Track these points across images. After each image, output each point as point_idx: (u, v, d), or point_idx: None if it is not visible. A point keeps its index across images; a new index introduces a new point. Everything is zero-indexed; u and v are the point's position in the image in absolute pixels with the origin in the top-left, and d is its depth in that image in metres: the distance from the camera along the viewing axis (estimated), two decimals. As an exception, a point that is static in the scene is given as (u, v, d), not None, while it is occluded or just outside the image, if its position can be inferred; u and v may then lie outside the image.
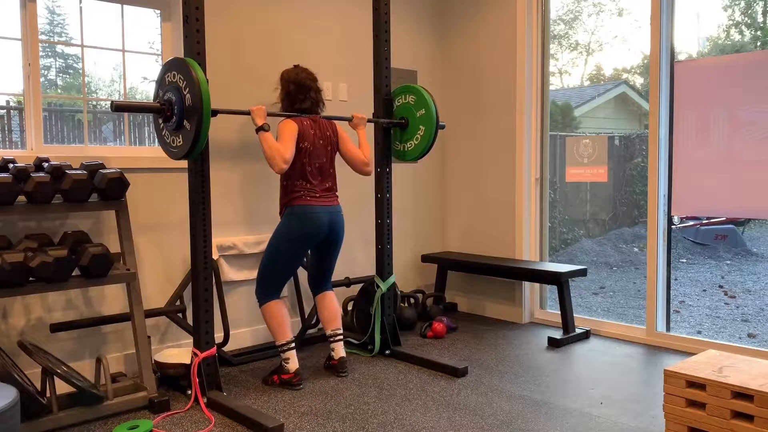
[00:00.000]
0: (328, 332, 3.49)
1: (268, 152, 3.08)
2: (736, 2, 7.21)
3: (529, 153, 4.60)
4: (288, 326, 3.29)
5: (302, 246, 3.28)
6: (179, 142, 2.93)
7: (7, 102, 3.56)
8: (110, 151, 3.62)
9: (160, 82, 2.99)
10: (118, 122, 4.04)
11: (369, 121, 3.72)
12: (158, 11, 3.74)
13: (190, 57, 2.98)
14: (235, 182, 3.93)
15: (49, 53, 4.16)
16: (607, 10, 7.68)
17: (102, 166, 3.13)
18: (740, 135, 3.57)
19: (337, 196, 3.41)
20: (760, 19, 7.35)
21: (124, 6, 3.61)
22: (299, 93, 3.33)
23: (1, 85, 3.37)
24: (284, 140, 3.13)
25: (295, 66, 3.43)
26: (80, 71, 3.65)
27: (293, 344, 3.28)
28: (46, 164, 2.92)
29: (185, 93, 2.84)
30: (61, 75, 4.47)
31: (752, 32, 7.24)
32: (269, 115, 3.22)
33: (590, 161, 4.61)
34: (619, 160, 7.69)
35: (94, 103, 4.17)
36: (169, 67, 2.95)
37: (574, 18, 8.03)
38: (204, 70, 2.99)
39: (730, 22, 7.35)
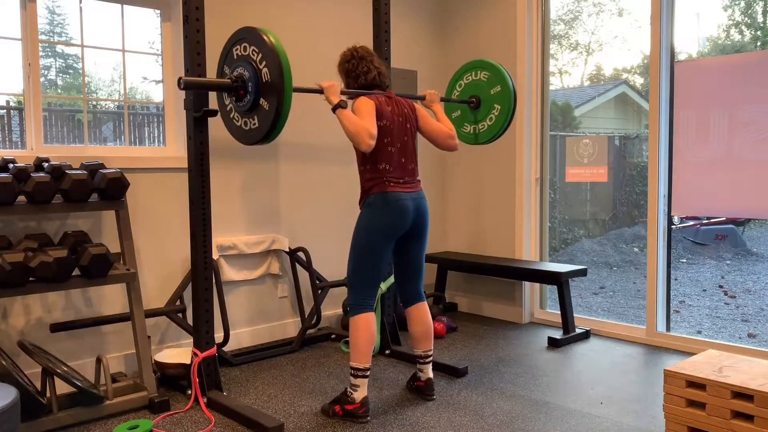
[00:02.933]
0: (419, 352, 3.12)
1: (351, 128, 2.70)
2: (736, 2, 7.20)
3: (529, 153, 4.60)
4: (371, 350, 2.87)
5: (387, 237, 2.91)
6: (254, 124, 2.62)
7: (7, 102, 3.56)
8: (110, 151, 3.62)
9: (226, 57, 2.71)
10: (118, 122, 4.04)
11: (442, 99, 3.46)
12: (158, 11, 3.74)
13: (190, 57, 2.97)
14: (235, 182, 3.93)
15: (49, 53, 4.16)
16: (607, 10, 7.67)
17: (102, 166, 3.13)
18: (740, 135, 3.57)
19: (420, 181, 3.07)
20: (760, 19, 7.35)
21: (124, 6, 3.61)
22: (360, 65, 2.99)
23: (1, 85, 3.37)
24: (364, 116, 2.77)
25: (348, 47, 3.10)
26: (80, 71, 3.65)
27: (368, 372, 2.86)
28: (46, 164, 2.92)
29: (261, 67, 2.51)
30: (61, 75, 4.47)
31: (752, 32, 7.24)
32: (343, 93, 2.90)
33: (590, 161, 4.61)
34: (619, 160, 7.69)
35: (94, 103, 4.17)
36: (237, 38, 2.66)
37: (574, 18, 8.02)
38: (204, 70, 2.99)
39: (730, 22, 7.35)
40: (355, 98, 2.93)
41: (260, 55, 2.52)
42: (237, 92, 2.64)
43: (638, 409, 2.97)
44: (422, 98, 3.35)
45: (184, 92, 3.06)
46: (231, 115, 2.76)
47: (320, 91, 2.84)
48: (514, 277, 4.48)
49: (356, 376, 2.83)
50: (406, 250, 3.08)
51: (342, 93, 2.87)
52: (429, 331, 3.13)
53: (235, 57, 2.65)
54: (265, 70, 2.50)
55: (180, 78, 2.54)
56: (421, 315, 3.13)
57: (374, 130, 2.75)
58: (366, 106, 2.82)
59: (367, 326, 2.86)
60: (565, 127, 7.82)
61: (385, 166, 2.89)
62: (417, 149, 3.09)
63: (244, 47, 2.61)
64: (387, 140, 2.89)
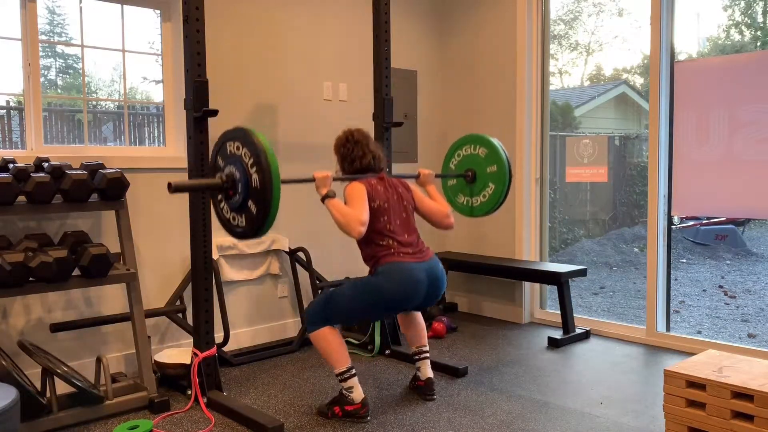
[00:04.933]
0: (414, 349, 3.18)
1: (340, 218, 2.72)
2: (736, 2, 7.20)
3: (529, 153, 4.60)
4: (345, 351, 2.87)
5: (394, 309, 2.94)
6: (241, 222, 2.61)
7: (7, 102, 3.56)
8: (110, 151, 3.62)
9: (220, 149, 2.68)
10: (118, 122, 4.04)
11: (437, 176, 3.47)
12: (158, 11, 3.74)
13: (190, 57, 2.97)
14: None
15: (49, 53, 4.16)
16: (607, 10, 7.67)
17: (102, 166, 3.13)
18: (740, 135, 3.57)
19: (429, 248, 3.02)
20: (760, 19, 7.35)
21: (124, 6, 3.61)
22: (355, 150, 3.03)
23: (1, 85, 3.37)
24: (354, 203, 2.80)
25: (343, 130, 3.15)
26: (80, 71, 3.65)
27: (354, 371, 2.87)
28: (46, 164, 2.92)
29: (251, 171, 2.49)
30: (61, 75, 4.47)
31: (752, 32, 7.24)
32: (335, 179, 2.92)
33: (590, 161, 4.61)
34: (619, 160, 7.69)
35: (94, 103, 4.17)
36: (232, 135, 2.63)
37: (574, 18, 8.03)
38: (204, 70, 2.99)
39: (730, 22, 7.35)
40: (347, 182, 2.97)
41: (251, 159, 2.50)
42: (227, 192, 2.62)
43: (638, 409, 2.97)
44: (416, 177, 3.34)
45: (184, 92, 3.06)
46: (221, 205, 2.73)
47: (312, 180, 2.85)
48: (514, 277, 4.48)
49: (345, 380, 2.85)
50: (418, 305, 3.05)
51: (334, 179, 2.90)
52: (422, 330, 3.19)
53: (228, 153, 2.63)
54: (255, 175, 2.48)
55: (170, 183, 2.48)
56: (413, 318, 3.20)
57: (364, 217, 2.75)
58: (356, 191, 2.85)
59: (332, 335, 2.86)
60: (565, 127, 7.82)
61: (389, 242, 2.88)
62: (416, 226, 3.06)
63: (237, 146, 2.58)
64: (384, 218, 2.90)
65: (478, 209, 3.56)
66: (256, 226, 2.53)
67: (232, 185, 2.58)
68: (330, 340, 2.85)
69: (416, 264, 2.86)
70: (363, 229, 2.74)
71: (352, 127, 3.15)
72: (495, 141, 3.50)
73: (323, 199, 2.80)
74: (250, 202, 2.53)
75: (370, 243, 2.89)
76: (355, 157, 3.03)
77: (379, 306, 2.84)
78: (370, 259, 2.91)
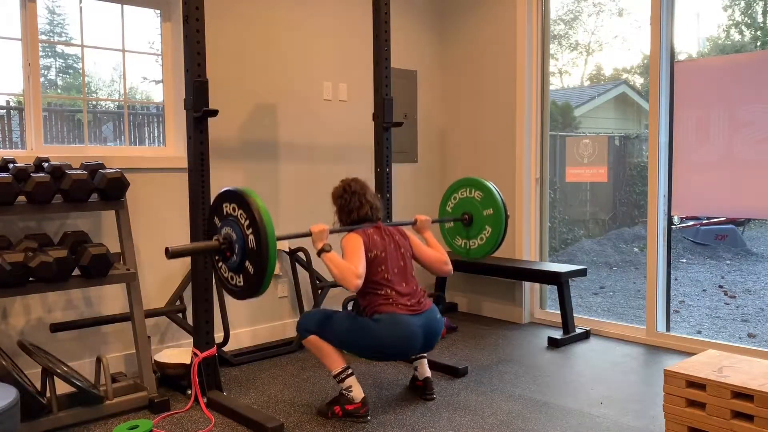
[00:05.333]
0: None
1: (336, 272, 2.75)
2: (736, 2, 7.21)
3: (529, 153, 4.60)
4: (339, 352, 2.90)
5: (386, 357, 3.01)
6: (240, 282, 2.63)
7: (7, 102, 3.56)
8: (110, 151, 3.62)
9: (216, 210, 2.71)
10: (118, 122, 4.03)
11: (434, 221, 3.48)
12: (158, 11, 3.74)
13: (190, 57, 2.97)
14: (235, 182, 3.92)
15: (49, 53, 4.16)
16: (607, 10, 7.67)
17: (102, 166, 3.13)
18: (740, 135, 3.57)
19: (427, 298, 3.04)
20: (760, 19, 7.35)
21: (124, 6, 3.61)
22: (352, 201, 3.05)
23: (1, 85, 3.37)
24: (351, 256, 2.83)
25: (341, 180, 3.16)
26: (80, 71, 3.65)
27: (351, 370, 2.88)
28: (46, 164, 2.92)
29: (248, 233, 2.52)
30: (61, 75, 4.46)
31: (752, 32, 7.24)
32: (332, 232, 2.96)
33: (590, 161, 4.61)
34: (619, 160, 7.69)
35: (94, 103, 4.17)
36: (227, 197, 2.64)
37: (574, 18, 8.03)
38: (204, 70, 2.99)
39: (730, 22, 7.35)
40: (345, 233, 2.99)
41: (247, 221, 2.52)
42: (224, 254, 2.64)
43: (638, 409, 2.97)
44: (413, 223, 3.35)
45: (184, 92, 3.07)
46: (218, 265, 2.75)
47: (308, 235, 2.88)
48: (514, 277, 4.48)
49: (342, 380, 2.86)
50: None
51: (331, 231, 2.93)
52: None
53: (224, 213, 2.66)
54: (251, 237, 2.51)
55: (167, 248, 2.50)
56: None
57: (360, 269, 2.78)
58: (353, 243, 2.87)
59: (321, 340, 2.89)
60: (565, 127, 7.82)
61: (387, 291, 2.89)
62: (414, 274, 3.07)
63: (233, 207, 2.60)
64: (382, 268, 2.91)
65: (475, 252, 3.61)
66: (254, 286, 2.55)
67: (229, 247, 2.60)
68: (322, 345, 2.88)
69: (413, 318, 2.86)
70: (359, 282, 2.77)
71: (350, 177, 3.16)
72: (490, 184, 3.56)
73: (319, 253, 2.82)
74: (247, 263, 2.54)
75: (369, 293, 2.90)
76: (352, 208, 3.05)
77: (372, 350, 2.87)
78: (368, 307, 2.91)
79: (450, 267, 3.21)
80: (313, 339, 2.89)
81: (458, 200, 3.67)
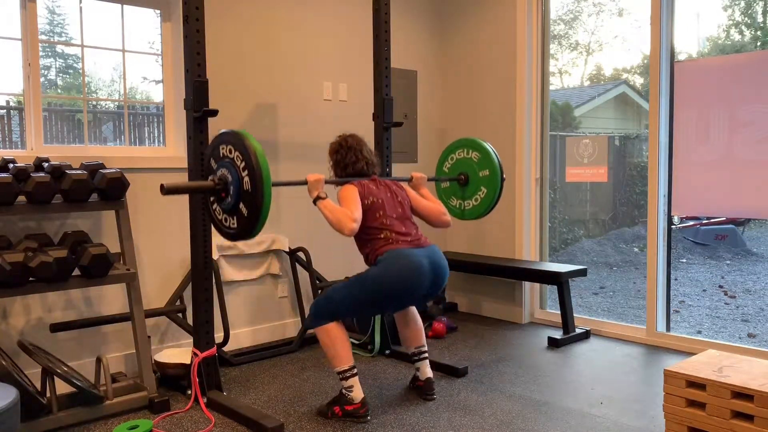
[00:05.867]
0: (412, 350, 3.18)
1: (331, 217, 2.76)
2: (736, 2, 7.20)
3: (529, 153, 4.60)
4: (349, 350, 2.86)
5: (398, 299, 2.91)
6: (233, 223, 2.63)
7: (7, 102, 3.56)
8: (110, 151, 3.62)
9: (213, 152, 2.71)
10: (118, 122, 4.04)
11: (430, 179, 3.47)
12: (158, 11, 3.74)
13: (190, 57, 2.97)
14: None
15: (49, 53, 4.16)
16: (607, 10, 7.67)
17: (102, 166, 3.13)
18: (740, 135, 3.57)
19: (428, 239, 3.04)
20: (760, 19, 7.35)
21: (124, 6, 3.61)
22: (349, 155, 3.08)
23: (1, 85, 3.37)
24: (346, 203, 2.85)
25: (338, 135, 3.19)
26: (80, 71, 3.65)
27: (356, 370, 2.87)
28: (46, 164, 2.92)
29: (243, 175, 2.53)
30: (61, 75, 4.46)
31: (752, 32, 7.24)
32: (328, 182, 2.98)
33: (590, 161, 4.61)
34: (619, 160, 7.69)
35: (94, 103, 4.17)
36: (224, 138, 2.64)
37: (574, 18, 8.02)
38: (204, 70, 2.99)
39: (730, 22, 7.35)
40: (340, 186, 3.02)
41: (243, 163, 2.53)
42: (219, 194, 2.65)
43: (638, 409, 2.97)
44: (409, 180, 3.35)
45: (184, 92, 3.06)
46: (213, 207, 2.75)
47: (305, 183, 2.90)
48: (514, 277, 4.48)
49: (346, 378, 2.85)
50: (420, 299, 3.06)
51: (327, 182, 2.95)
52: (419, 330, 3.19)
53: (221, 155, 2.65)
54: (246, 179, 2.52)
55: (162, 184, 2.51)
56: (410, 315, 3.19)
57: (356, 214, 2.79)
58: (348, 192, 2.90)
59: (338, 331, 2.85)
60: (565, 127, 7.82)
61: (387, 233, 2.91)
62: (413, 219, 3.08)
63: (230, 149, 2.60)
64: (380, 213, 2.93)
65: (470, 212, 3.60)
66: (248, 228, 2.56)
67: (224, 188, 2.61)
68: (334, 336, 2.84)
69: (417, 250, 2.88)
70: (355, 226, 2.76)
71: (347, 132, 3.18)
72: (487, 145, 3.54)
73: (315, 201, 2.85)
74: (241, 205, 2.56)
75: (368, 239, 2.92)
76: (348, 162, 3.08)
77: (381, 297, 2.83)
78: (370, 254, 2.92)
79: (449, 218, 3.21)
80: (325, 328, 2.85)
81: (455, 161, 3.66)
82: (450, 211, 3.65)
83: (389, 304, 2.96)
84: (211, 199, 2.73)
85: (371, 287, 2.82)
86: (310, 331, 2.93)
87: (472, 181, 3.58)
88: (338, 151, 3.12)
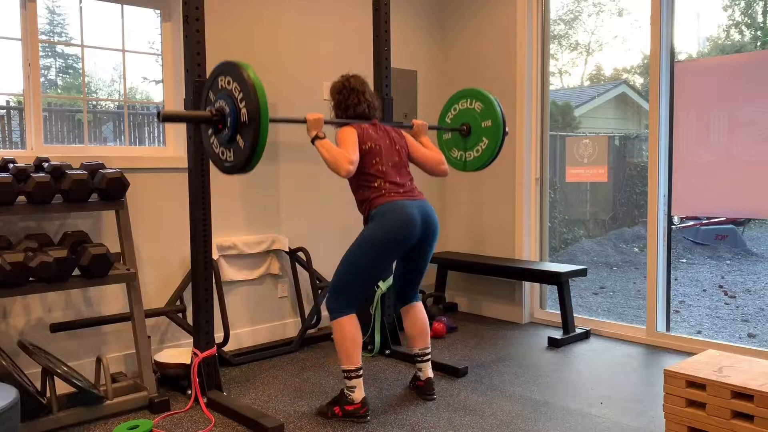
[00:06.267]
0: (416, 351, 3.14)
1: (328, 157, 2.74)
2: (736, 2, 7.20)
3: (529, 153, 4.60)
4: (359, 350, 2.86)
5: (393, 251, 2.88)
6: (230, 156, 2.62)
7: (7, 102, 3.56)
8: (110, 151, 3.62)
9: (212, 84, 2.69)
10: (118, 122, 4.04)
11: (431, 128, 3.43)
12: (158, 11, 3.74)
13: (190, 57, 2.97)
14: (235, 182, 3.92)
15: (49, 53, 4.16)
16: (607, 10, 7.67)
17: (102, 166, 3.13)
18: (740, 135, 3.57)
19: (421, 192, 3.03)
20: (760, 19, 7.35)
21: (124, 6, 3.61)
22: (350, 97, 3.03)
23: (1, 85, 3.37)
24: (344, 144, 2.82)
25: (341, 75, 3.13)
26: (80, 71, 3.65)
27: (361, 372, 2.86)
28: (46, 164, 2.92)
29: (240, 106, 2.51)
30: (61, 75, 4.46)
31: (752, 32, 7.24)
32: (327, 122, 2.96)
33: (590, 161, 4.61)
34: (619, 160, 7.68)
35: (94, 103, 4.17)
36: (223, 70, 2.62)
37: (574, 18, 8.02)
38: (204, 70, 2.99)
39: (730, 22, 7.35)
40: (339, 127, 2.98)
41: (241, 94, 2.51)
42: (216, 125, 2.64)
43: (638, 409, 2.97)
44: (410, 127, 3.31)
45: (184, 92, 3.07)
46: (210, 140, 2.74)
47: (303, 121, 2.87)
48: (514, 277, 4.48)
49: (350, 378, 2.84)
50: (414, 258, 3.05)
51: (327, 122, 2.92)
52: (425, 328, 3.15)
53: (220, 87, 2.64)
54: (244, 110, 2.49)
55: (159, 111, 2.52)
56: (417, 314, 3.16)
57: (353, 156, 2.77)
58: (347, 134, 2.87)
59: (352, 327, 2.85)
60: (565, 127, 7.81)
61: (381, 183, 2.90)
62: (409, 170, 3.07)
63: (228, 81, 2.59)
64: (376, 160, 2.91)
65: (471, 164, 3.58)
66: (244, 161, 2.54)
67: (222, 119, 2.59)
68: (347, 332, 2.83)
69: (408, 201, 2.88)
70: (352, 168, 2.75)
71: (351, 72, 3.13)
72: (491, 96, 3.51)
73: (313, 140, 2.82)
74: (238, 137, 2.54)
75: (362, 186, 2.92)
76: (350, 104, 3.04)
77: (379, 253, 2.83)
78: (363, 203, 2.94)
79: (446, 167, 3.18)
80: (341, 322, 2.84)
81: (458, 111, 3.63)
82: (451, 162, 3.64)
83: (387, 257, 2.92)
84: (209, 132, 2.72)
85: (369, 247, 2.83)
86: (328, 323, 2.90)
87: (474, 132, 3.55)
88: (341, 91, 3.06)
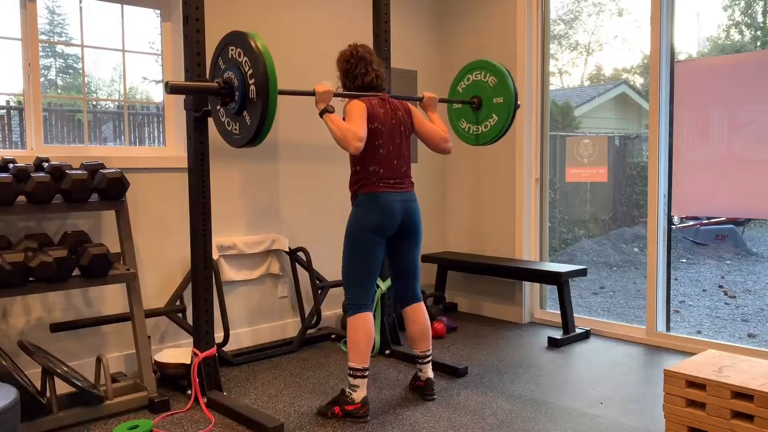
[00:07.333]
0: (418, 352, 3.11)
1: (337, 132, 2.71)
2: (736, 2, 7.20)
3: (529, 153, 4.60)
4: (369, 350, 2.87)
5: (375, 236, 2.89)
6: (236, 129, 2.58)
7: (7, 102, 3.56)
8: (110, 151, 3.62)
9: (221, 52, 2.64)
10: (118, 122, 4.04)
11: (441, 101, 3.35)
12: (158, 11, 3.74)
13: (190, 57, 2.97)
14: (235, 182, 3.93)
15: (49, 53, 4.16)
16: (607, 10, 7.67)
17: (102, 166, 3.13)
18: (740, 135, 3.57)
19: (413, 183, 3.06)
20: (760, 19, 7.35)
21: (124, 6, 3.61)
22: (358, 66, 2.96)
23: (1, 85, 3.37)
24: (353, 119, 2.77)
25: (349, 44, 3.06)
26: (80, 71, 3.65)
27: (368, 372, 2.86)
28: (46, 164, 2.92)
29: (249, 82, 2.47)
30: (61, 75, 4.47)
31: (752, 32, 7.24)
32: (336, 95, 2.91)
33: (590, 161, 4.61)
34: (619, 160, 7.68)
35: (94, 103, 4.17)
36: (234, 40, 2.58)
37: (574, 18, 8.02)
38: (204, 71, 2.99)
39: (730, 22, 7.35)
40: (348, 100, 2.93)
41: (250, 70, 2.47)
42: (224, 98, 2.62)
43: (638, 409, 2.97)
44: (420, 99, 3.28)
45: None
46: (219, 112, 2.75)
47: (312, 93, 2.83)
48: (514, 277, 4.48)
49: (355, 377, 2.84)
50: (398, 251, 3.07)
51: (335, 95, 2.88)
52: (426, 330, 3.12)
53: (229, 57, 2.61)
54: (252, 85, 2.47)
55: (167, 82, 2.52)
56: (417, 315, 3.12)
57: (362, 133, 2.74)
58: (357, 109, 2.82)
59: (364, 326, 2.86)
60: (565, 127, 7.81)
61: (376, 168, 2.89)
62: (410, 152, 3.07)
63: (239, 53, 2.55)
64: (378, 142, 2.88)
65: (483, 137, 3.54)
66: (250, 136, 2.52)
67: (230, 92, 2.56)
68: (361, 332, 2.86)
69: (393, 194, 2.91)
70: (360, 145, 2.73)
71: (358, 42, 3.09)
72: (505, 70, 3.46)
73: (321, 113, 2.79)
74: (245, 113, 2.51)
75: (361, 164, 2.91)
76: (357, 74, 2.98)
77: (364, 236, 2.88)
78: (354, 184, 2.95)
79: (450, 145, 3.14)
80: (355, 320, 2.87)
81: (471, 82, 3.56)
82: (460, 135, 3.63)
83: (372, 245, 2.91)
84: (218, 106, 2.69)
85: (353, 239, 2.90)
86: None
87: (484, 106, 3.49)
88: (348, 60, 2.99)
